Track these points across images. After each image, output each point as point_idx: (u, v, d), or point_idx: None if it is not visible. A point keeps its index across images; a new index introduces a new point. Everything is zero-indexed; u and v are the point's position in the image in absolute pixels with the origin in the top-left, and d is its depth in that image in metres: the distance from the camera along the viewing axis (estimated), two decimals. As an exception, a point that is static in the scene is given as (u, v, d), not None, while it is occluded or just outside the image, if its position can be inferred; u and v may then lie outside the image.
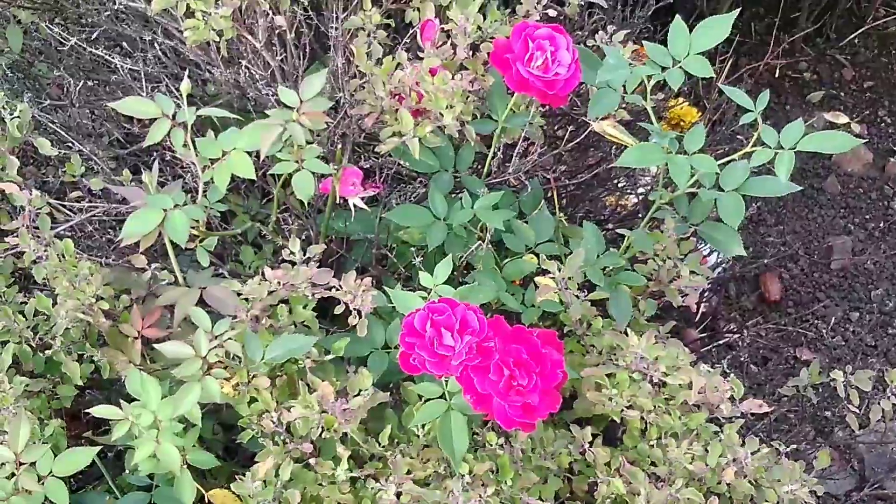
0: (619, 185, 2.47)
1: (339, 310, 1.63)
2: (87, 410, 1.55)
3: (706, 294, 2.94)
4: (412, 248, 1.88)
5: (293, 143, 1.65)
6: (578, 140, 2.02)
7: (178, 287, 1.73)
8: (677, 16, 1.76)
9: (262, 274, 1.65)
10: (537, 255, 1.84)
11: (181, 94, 1.63)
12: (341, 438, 1.59)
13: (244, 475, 1.56)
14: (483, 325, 1.49)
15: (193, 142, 1.63)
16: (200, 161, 1.65)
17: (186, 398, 1.53)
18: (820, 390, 2.08)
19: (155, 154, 1.96)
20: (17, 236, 1.68)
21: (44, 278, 1.68)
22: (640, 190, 2.65)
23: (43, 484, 1.51)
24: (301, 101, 1.62)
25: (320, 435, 1.57)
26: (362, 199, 1.80)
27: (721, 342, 2.84)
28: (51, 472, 1.51)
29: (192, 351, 1.55)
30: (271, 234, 1.84)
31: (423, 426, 1.64)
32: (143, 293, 1.76)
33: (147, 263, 1.75)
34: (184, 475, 1.57)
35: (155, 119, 1.62)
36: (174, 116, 1.62)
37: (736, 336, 2.91)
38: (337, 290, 1.62)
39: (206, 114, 1.63)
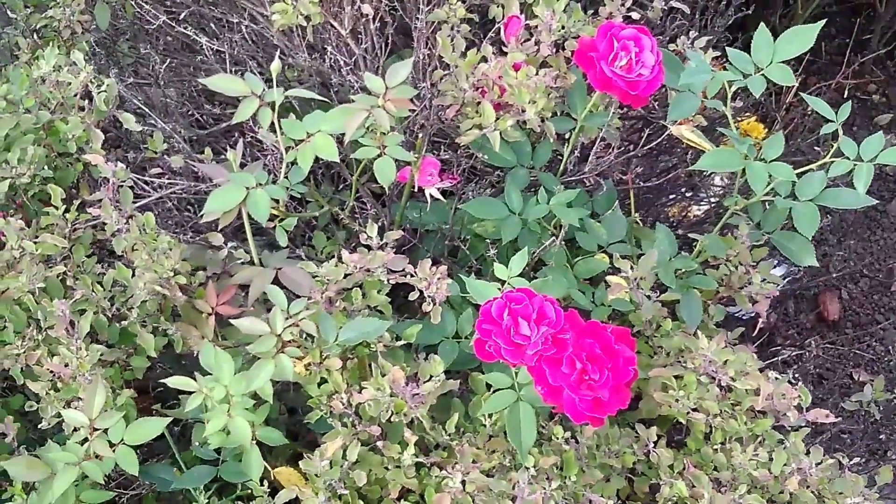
0: (686, 194, 2.47)
1: (412, 296, 1.64)
2: (161, 381, 1.57)
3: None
4: (485, 242, 1.89)
5: (376, 129, 1.68)
6: (653, 144, 2.03)
7: (253, 266, 1.75)
8: (762, 24, 1.77)
9: (339, 257, 1.66)
10: (609, 255, 1.85)
11: (265, 76, 1.65)
12: (409, 424, 1.60)
13: (306, 457, 1.57)
14: (560, 316, 1.50)
15: (279, 122, 1.65)
16: (284, 142, 1.67)
17: (260, 374, 1.54)
18: (881, 408, 2.08)
19: (235, 135, 1.98)
20: (99, 208, 1.71)
21: (122, 251, 1.71)
22: (703, 203, 2.66)
23: (114, 451, 1.53)
24: (386, 88, 1.64)
25: (389, 419, 1.59)
26: (439, 189, 1.81)
27: (777, 359, 2.83)
28: (122, 440, 1.53)
29: (268, 328, 1.57)
30: (348, 219, 1.86)
31: (490, 416, 1.65)
32: (217, 271, 1.78)
33: (223, 242, 1.77)
34: (253, 451, 1.58)
35: (242, 98, 1.64)
36: (262, 96, 1.64)
37: (793, 353, 2.89)
38: (412, 276, 1.64)
39: (293, 95, 1.65)
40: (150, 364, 1.76)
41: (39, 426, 1.62)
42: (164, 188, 1.88)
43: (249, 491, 1.65)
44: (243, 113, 1.64)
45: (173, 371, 1.82)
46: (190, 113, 2.10)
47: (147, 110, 1.97)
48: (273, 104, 1.64)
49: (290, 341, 1.57)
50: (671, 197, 2.45)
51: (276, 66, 1.65)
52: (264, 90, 1.65)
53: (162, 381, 1.57)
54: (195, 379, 1.54)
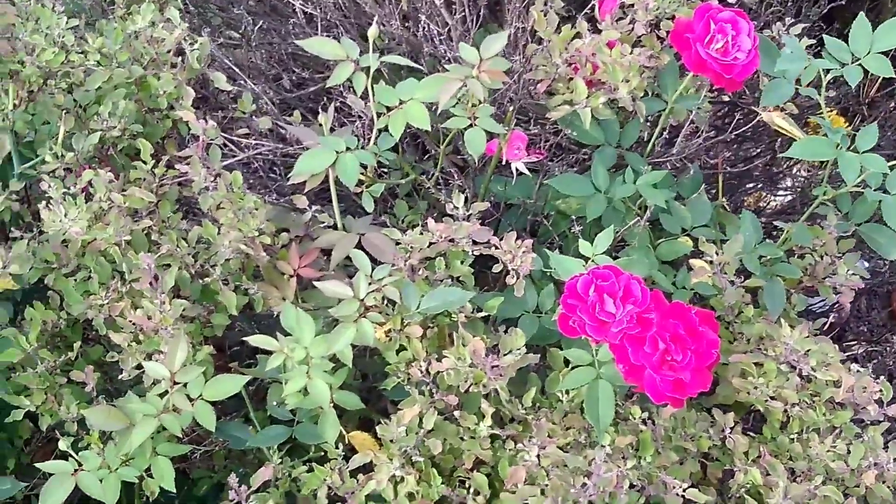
0: (767, 182, 2.45)
1: (496, 269, 1.64)
2: (240, 340, 1.58)
3: (836, 305, 2.90)
4: (568, 219, 1.89)
5: (467, 100, 1.68)
6: (741, 130, 2.01)
7: (336, 231, 1.76)
8: (861, 13, 1.75)
9: (424, 225, 1.67)
10: (692, 238, 1.84)
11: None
12: (485, 396, 1.60)
13: (382, 422, 1.58)
14: (646, 295, 1.49)
15: (372, 88, 1.65)
16: (376, 108, 1.67)
17: (341, 337, 1.55)
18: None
19: (322, 101, 1.98)
20: (187, 164, 1.72)
21: (207, 209, 1.72)
22: (781, 193, 2.64)
23: (192, 406, 1.54)
24: (481, 59, 1.64)
25: (466, 390, 1.59)
26: (525, 164, 1.81)
27: (853, 352, 2.80)
28: (200, 395, 1.54)
29: (351, 292, 1.57)
30: (433, 188, 1.86)
31: (567, 393, 1.64)
32: (300, 234, 1.78)
33: (307, 205, 1.77)
34: (329, 413, 1.59)
35: (337, 62, 1.65)
36: (357, 61, 1.65)
37: (868, 349, 2.86)
38: (496, 248, 1.64)
39: (388, 60, 1.65)
40: (229, 323, 1.76)
41: (119, 377, 1.64)
42: (250, 149, 1.89)
43: (322, 453, 1.66)
44: (338, 76, 1.65)
45: (249, 332, 1.84)
46: (277, 76, 2.11)
47: (237, 71, 1.98)
48: (368, 69, 1.65)
49: (372, 306, 1.57)
50: (750, 186, 2.43)
51: (373, 31, 1.65)
52: (360, 54, 1.65)
53: (243, 339, 1.58)
54: (276, 339, 1.55)
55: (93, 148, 1.80)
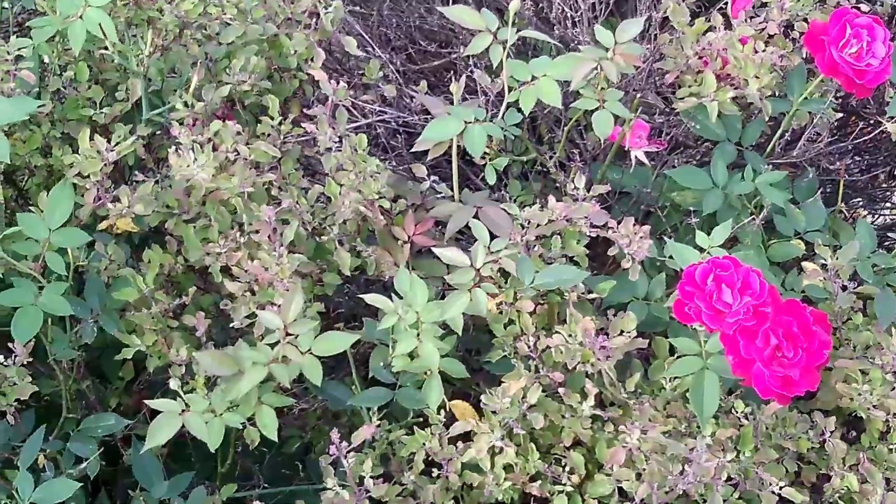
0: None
1: (611, 251, 1.66)
2: (353, 299, 1.60)
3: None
4: (681, 212, 1.89)
5: (596, 83, 1.69)
6: (861, 139, 2.01)
7: (453, 202, 1.78)
8: None
9: (542, 203, 1.68)
10: (805, 242, 1.83)
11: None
12: (589, 376, 1.61)
13: (488, 392, 1.59)
14: (763, 288, 1.50)
15: (506, 62, 1.67)
16: (508, 82, 1.69)
17: (455, 304, 1.57)
18: None
19: (447, 75, 2.00)
20: (312, 124, 1.74)
21: (329, 169, 1.74)
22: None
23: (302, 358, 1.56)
24: (616, 43, 1.65)
25: (573, 368, 1.60)
26: (645, 153, 1.82)
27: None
28: (309, 349, 1.57)
29: (468, 261, 1.59)
30: (554, 168, 1.87)
31: (670, 381, 1.65)
32: (416, 202, 1.80)
33: (426, 174, 1.80)
34: (435, 379, 1.60)
35: (476, 32, 1.68)
36: (496, 33, 1.67)
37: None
38: (614, 231, 1.65)
39: (525, 35, 1.67)
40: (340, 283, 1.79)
41: (231, 326, 1.67)
42: (374, 115, 1.91)
43: (420, 419, 1.68)
44: (476, 46, 1.68)
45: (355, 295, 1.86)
46: (402, 47, 2.13)
47: (366, 37, 2.01)
48: (504, 42, 1.67)
49: (487, 277, 1.59)
50: (858, 200, 2.42)
51: (514, 4, 1.66)
52: (499, 27, 1.67)
53: (357, 296, 1.60)
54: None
55: (220, 100, 1.83)
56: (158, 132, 1.92)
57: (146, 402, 1.58)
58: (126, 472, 1.85)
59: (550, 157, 1.89)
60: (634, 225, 1.66)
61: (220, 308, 1.73)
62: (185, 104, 1.80)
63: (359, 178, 1.70)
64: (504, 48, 1.67)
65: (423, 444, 1.61)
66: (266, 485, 1.90)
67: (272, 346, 1.56)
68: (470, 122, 1.68)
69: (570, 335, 1.57)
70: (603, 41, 1.65)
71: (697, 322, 1.51)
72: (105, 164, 1.70)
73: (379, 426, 1.65)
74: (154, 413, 1.55)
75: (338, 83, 1.77)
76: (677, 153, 2.02)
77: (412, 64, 2.12)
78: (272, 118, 1.79)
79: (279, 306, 1.58)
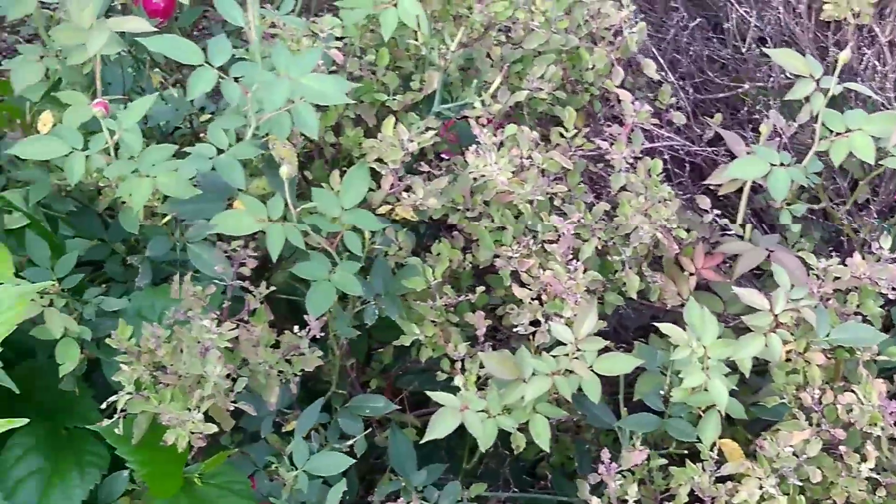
0: None
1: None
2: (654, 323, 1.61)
3: None
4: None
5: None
6: None
7: (743, 241, 1.77)
8: None
9: (843, 259, 1.67)
10: None
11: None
12: (869, 436, 1.60)
13: (767, 438, 1.58)
14: None
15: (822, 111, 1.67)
16: (821, 131, 1.68)
17: (749, 346, 1.56)
18: None
19: (732, 110, 2.00)
20: (605, 140, 1.76)
21: (618, 189, 1.75)
22: None
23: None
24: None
25: (849, 426, 1.59)
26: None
27: None
28: (591, 366, 1.57)
29: (767, 304, 1.58)
30: (846, 221, 1.86)
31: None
32: (704, 235, 1.80)
33: (710, 208, 1.79)
34: (714, 415, 1.59)
35: (796, 77, 1.68)
36: (818, 80, 1.67)
37: None
38: (913, 297, 1.64)
39: (851, 87, 1.66)
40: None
41: (514, 330, 1.68)
42: (660, 139, 1.91)
43: (684, 451, 1.68)
44: (798, 91, 1.69)
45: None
46: (692, 75, 2.13)
47: (661, 62, 2.01)
48: (826, 91, 1.66)
49: (783, 324, 1.59)
50: None
51: (845, 54, 1.66)
52: (822, 75, 1.67)
53: (652, 322, 1.61)
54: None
55: (513, 104, 1.85)
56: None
57: (430, 394, 1.60)
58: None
59: (836, 207, 1.87)
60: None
61: (492, 309, 1.75)
62: (483, 103, 1.82)
63: (648, 202, 1.71)
64: (825, 96, 1.67)
65: (692, 477, 1.61)
66: (515, 489, 1.91)
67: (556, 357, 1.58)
68: (775, 165, 1.68)
69: (865, 395, 1.56)
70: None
71: None
72: (405, 154, 1.72)
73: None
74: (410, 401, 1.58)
75: (642, 104, 1.78)
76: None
77: (697, 93, 2.11)
78: (566, 129, 1.80)
79: (565, 319, 1.60)
